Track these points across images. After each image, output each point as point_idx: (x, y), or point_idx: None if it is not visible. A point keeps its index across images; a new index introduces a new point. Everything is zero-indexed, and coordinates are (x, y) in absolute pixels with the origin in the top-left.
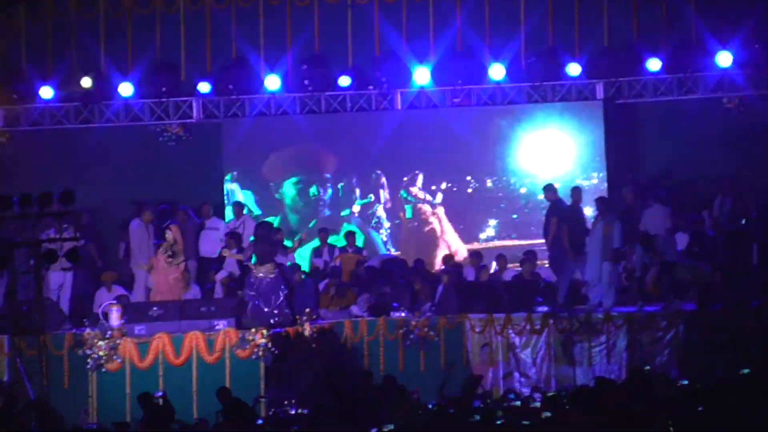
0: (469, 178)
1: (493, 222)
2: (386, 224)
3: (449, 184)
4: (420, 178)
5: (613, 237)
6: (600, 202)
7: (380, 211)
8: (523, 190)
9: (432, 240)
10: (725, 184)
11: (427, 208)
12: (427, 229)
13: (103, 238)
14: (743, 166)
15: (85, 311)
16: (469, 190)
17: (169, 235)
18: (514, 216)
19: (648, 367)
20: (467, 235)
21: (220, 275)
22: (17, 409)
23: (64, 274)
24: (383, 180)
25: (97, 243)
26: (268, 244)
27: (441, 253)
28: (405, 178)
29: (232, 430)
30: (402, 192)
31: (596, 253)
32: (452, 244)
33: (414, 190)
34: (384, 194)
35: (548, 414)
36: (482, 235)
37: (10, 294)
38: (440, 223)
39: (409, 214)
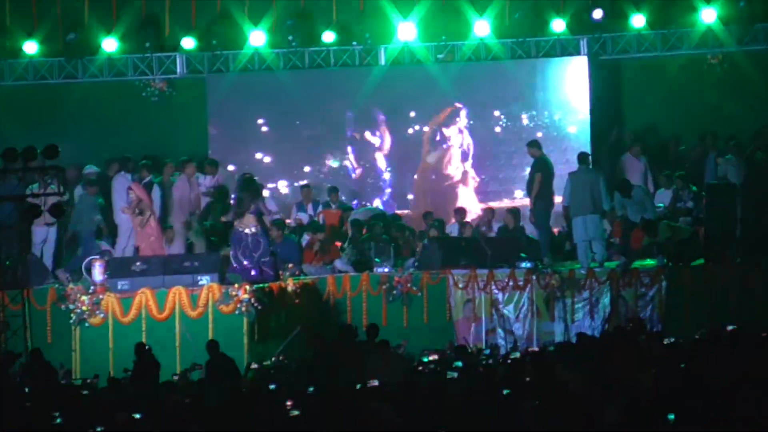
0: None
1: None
2: (386, 175)
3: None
4: (463, 114)
5: (600, 190)
6: (583, 156)
7: (379, 159)
8: None
9: (451, 191)
10: (708, 139)
11: (456, 153)
12: (447, 182)
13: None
14: (726, 122)
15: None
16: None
17: (132, 194)
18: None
19: (630, 324)
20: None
21: None
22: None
23: (47, 229)
24: (382, 120)
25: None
26: (249, 197)
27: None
28: (440, 114)
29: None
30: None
31: (582, 207)
32: (469, 199)
33: (449, 131)
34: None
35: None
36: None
37: None
38: (465, 175)
39: (432, 159)
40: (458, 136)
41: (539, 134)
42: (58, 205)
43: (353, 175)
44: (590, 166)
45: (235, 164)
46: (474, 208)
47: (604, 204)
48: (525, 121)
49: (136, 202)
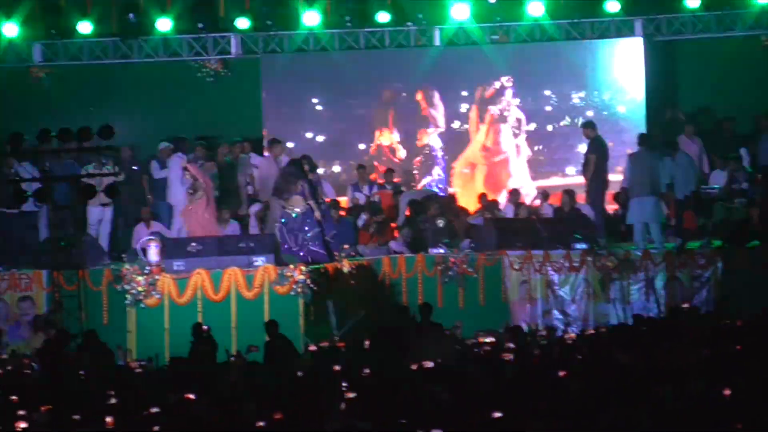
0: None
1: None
2: (439, 153)
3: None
4: (509, 90)
5: (659, 171)
6: (643, 138)
7: (433, 138)
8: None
9: (503, 168)
10: (763, 121)
11: (506, 129)
12: (499, 158)
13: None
14: None
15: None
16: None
17: (187, 174)
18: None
19: (686, 305)
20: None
21: (254, 209)
22: (71, 343)
23: (102, 210)
24: (436, 97)
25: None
26: (295, 178)
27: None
28: (489, 89)
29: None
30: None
31: (641, 189)
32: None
33: (497, 107)
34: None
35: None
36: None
37: (50, 229)
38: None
39: (481, 137)
40: (507, 111)
41: (590, 113)
42: (113, 185)
43: (406, 155)
44: (651, 148)
45: (290, 143)
46: (527, 184)
47: (662, 186)
48: (576, 100)
49: (192, 181)
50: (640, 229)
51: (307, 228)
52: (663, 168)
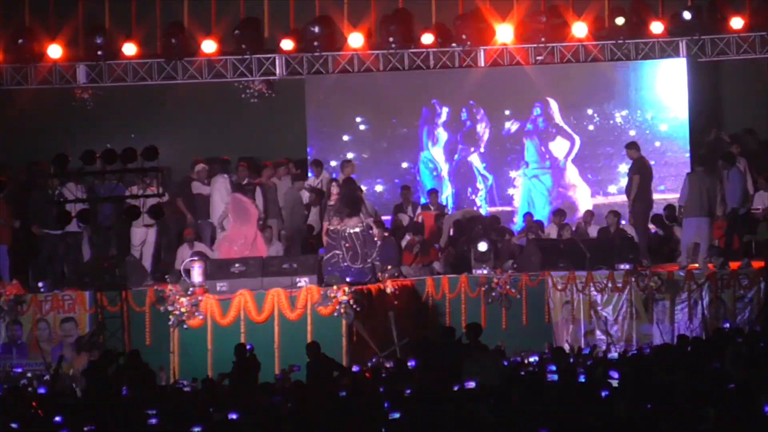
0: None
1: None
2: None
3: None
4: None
5: (716, 194)
6: (702, 158)
7: (475, 160)
8: None
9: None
10: None
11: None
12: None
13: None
14: None
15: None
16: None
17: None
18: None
19: (728, 325)
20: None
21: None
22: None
23: (146, 231)
24: (481, 114)
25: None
26: (352, 199)
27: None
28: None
29: (315, 384)
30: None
31: (696, 209)
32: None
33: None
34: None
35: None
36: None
37: (94, 250)
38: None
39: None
40: (552, 130)
41: (632, 133)
42: (158, 206)
43: (450, 175)
44: (709, 169)
45: (333, 162)
46: (584, 200)
47: (718, 208)
48: (618, 119)
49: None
50: (689, 248)
51: (366, 247)
52: (718, 189)
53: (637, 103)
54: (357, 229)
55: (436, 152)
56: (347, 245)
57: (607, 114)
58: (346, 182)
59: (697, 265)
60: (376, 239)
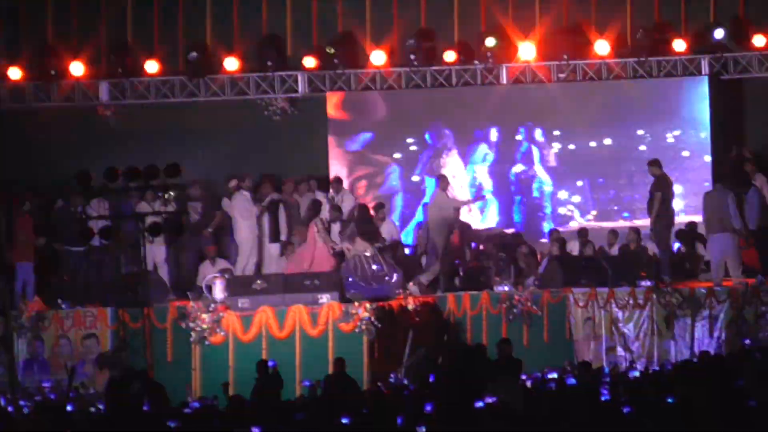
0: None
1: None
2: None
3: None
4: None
5: (729, 207)
6: (720, 176)
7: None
8: None
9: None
10: None
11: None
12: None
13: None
14: None
15: (188, 284)
16: None
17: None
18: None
19: (749, 342)
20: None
21: None
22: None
23: (168, 247)
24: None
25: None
26: (363, 223)
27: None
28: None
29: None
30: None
31: (716, 225)
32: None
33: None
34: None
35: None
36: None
37: (116, 266)
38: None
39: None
40: (571, 147)
41: (654, 150)
42: (179, 223)
43: (469, 192)
44: (727, 186)
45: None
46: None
47: (734, 222)
48: (640, 138)
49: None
50: (717, 265)
51: (375, 270)
52: (733, 204)
53: (659, 121)
54: (368, 253)
55: (457, 170)
56: (359, 267)
57: (630, 133)
58: (359, 208)
59: (731, 281)
60: (378, 265)
